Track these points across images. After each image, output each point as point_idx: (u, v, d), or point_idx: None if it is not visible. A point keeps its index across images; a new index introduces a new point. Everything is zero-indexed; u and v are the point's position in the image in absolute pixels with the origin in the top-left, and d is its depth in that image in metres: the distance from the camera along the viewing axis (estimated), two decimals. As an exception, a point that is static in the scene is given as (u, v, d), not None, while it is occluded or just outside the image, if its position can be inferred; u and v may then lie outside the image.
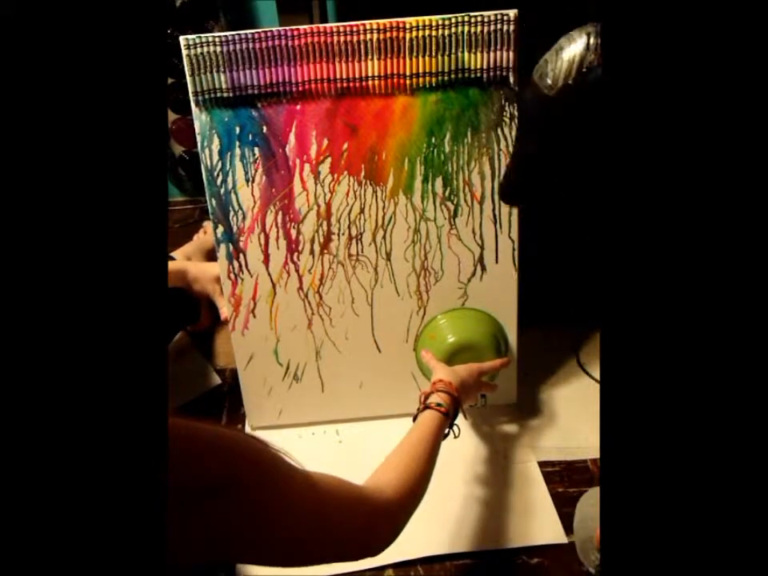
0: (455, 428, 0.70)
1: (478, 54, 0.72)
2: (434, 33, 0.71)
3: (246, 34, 0.70)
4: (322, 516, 0.46)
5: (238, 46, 0.71)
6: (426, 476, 0.61)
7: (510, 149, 0.76)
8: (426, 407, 0.69)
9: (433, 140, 0.76)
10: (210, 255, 1.10)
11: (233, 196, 0.77)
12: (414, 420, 0.69)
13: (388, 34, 0.71)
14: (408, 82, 0.73)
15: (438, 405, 0.68)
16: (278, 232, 0.79)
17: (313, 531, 0.45)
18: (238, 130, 0.74)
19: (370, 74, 0.73)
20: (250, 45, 0.71)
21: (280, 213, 0.78)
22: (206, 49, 0.71)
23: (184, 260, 1.06)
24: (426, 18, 0.70)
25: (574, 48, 0.52)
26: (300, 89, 0.73)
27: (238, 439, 0.41)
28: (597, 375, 0.94)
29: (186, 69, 0.71)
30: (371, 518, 0.52)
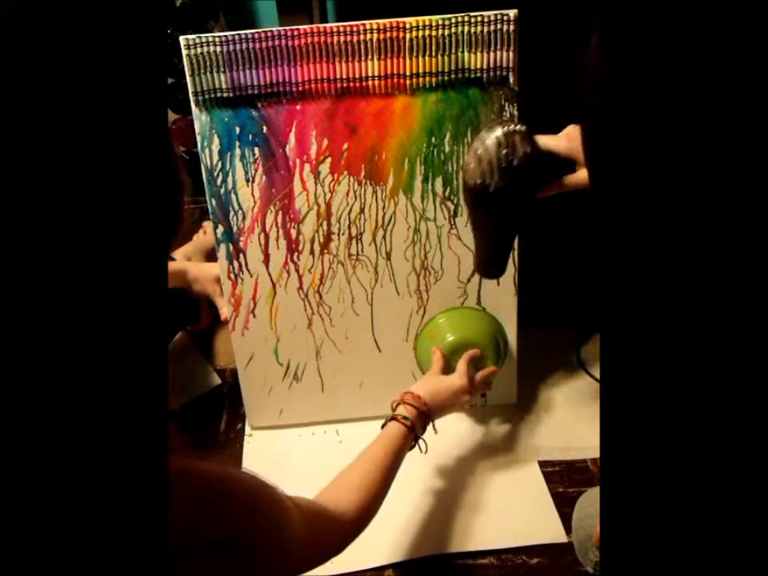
0: (422, 442, 0.70)
1: (478, 54, 0.72)
2: (433, 33, 0.71)
3: (246, 34, 0.70)
4: (307, 544, 0.48)
5: (238, 46, 0.71)
6: (384, 494, 0.62)
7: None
8: (393, 418, 0.68)
9: (433, 140, 0.76)
10: (210, 255, 1.10)
11: (233, 196, 0.77)
12: (383, 427, 0.69)
13: (388, 34, 0.71)
14: (408, 81, 0.73)
15: (404, 418, 0.68)
16: (278, 232, 0.79)
17: (297, 559, 0.47)
18: (237, 130, 0.74)
19: (370, 74, 0.73)
20: (250, 45, 0.71)
21: (280, 213, 0.78)
22: (205, 49, 0.71)
23: (184, 260, 1.06)
24: (426, 17, 0.70)
25: (488, 147, 0.58)
26: (300, 89, 0.73)
27: (256, 494, 0.42)
28: (597, 375, 0.94)
29: (186, 69, 0.71)
30: (335, 542, 0.55)
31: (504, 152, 0.57)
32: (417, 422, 0.69)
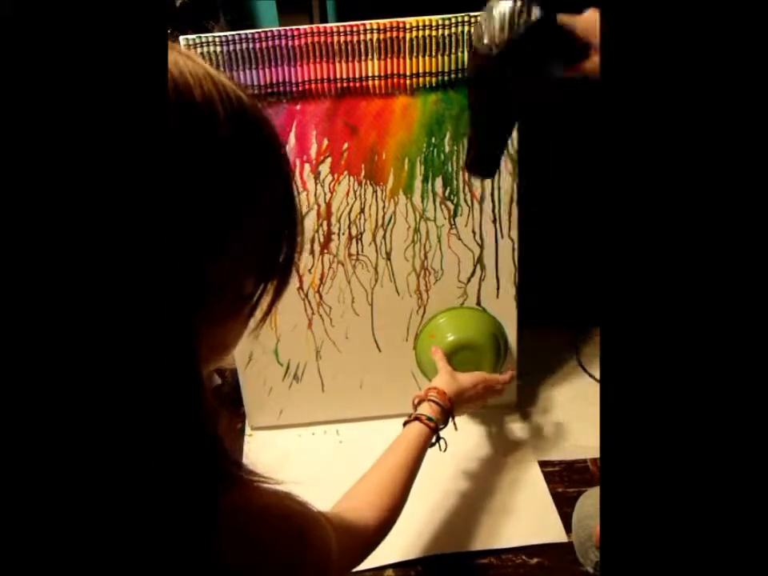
0: (442, 441, 0.68)
1: (478, 54, 0.72)
2: (433, 33, 0.71)
3: (246, 34, 0.70)
4: (338, 561, 0.46)
5: (238, 46, 0.71)
6: (405, 500, 0.60)
7: (509, 149, 0.76)
8: (417, 418, 0.66)
9: (433, 140, 0.76)
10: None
11: (233, 196, 0.77)
12: (405, 424, 0.67)
13: (388, 34, 0.71)
14: (408, 81, 0.73)
15: (429, 419, 0.66)
16: (278, 232, 0.78)
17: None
18: (238, 129, 0.74)
19: (370, 74, 0.73)
20: (250, 45, 0.71)
21: (280, 213, 0.78)
22: (206, 49, 0.71)
23: None
24: (426, 17, 0.70)
25: (503, 5, 0.57)
26: (300, 89, 0.73)
27: (305, 527, 0.40)
28: (597, 374, 0.94)
29: (186, 69, 0.71)
30: (359, 555, 0.54)
31: (518, 11, 0.56)
32: (440, 420, 0.67)
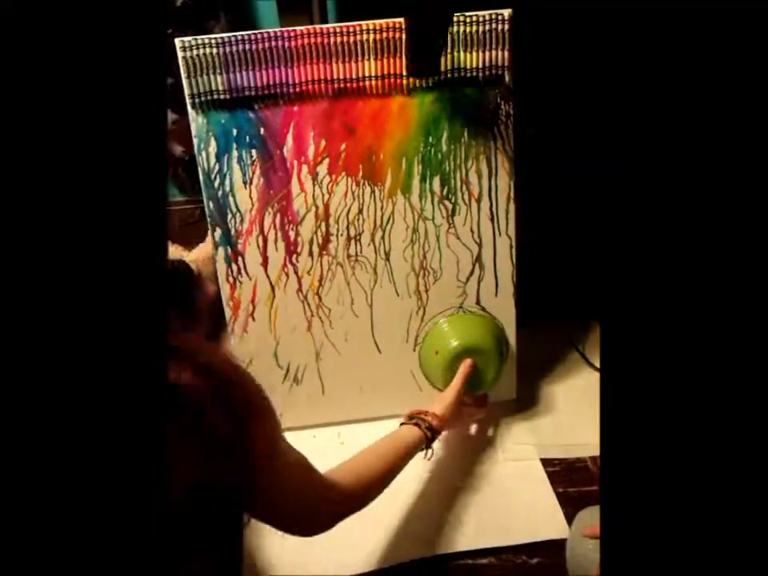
0: (430, 451, 0.73)
1: (474, 54, 0.72)
2: (430, 32, 0.71)
3: (242, 35, 0.70)
4: (292, 477, 0.52)
5: (234, 48, 0.71)
6: (385, 484, 0.64)
7: (506, 147, 0.76)
8: (416, 424, 0.72)
9: (430, 139, 0.76)
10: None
11: (230, 198, 0.77)
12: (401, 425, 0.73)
13: (384, 35, 0.71)
14: (405, 82, 0.73)
15: (428, 428, 0.71)
16: (276, 234, 0.78)
17: (280, 488, 0.50)
18: (235, 132, 0.74)
19: (366, 75, 0.73)
20: (247, 46, 0.71)
21: (278, 214, 0.78)
22: (202, 51, 0.71)
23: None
24: (423, 17, 0.70)
25: None
26: (297, 90, 0.73)
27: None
28: (597, 365, 0.94)
29: (183, 71, 0.71)
30: (322, 502, 0.56)
31: None
32: (434, 437, 0.73)
